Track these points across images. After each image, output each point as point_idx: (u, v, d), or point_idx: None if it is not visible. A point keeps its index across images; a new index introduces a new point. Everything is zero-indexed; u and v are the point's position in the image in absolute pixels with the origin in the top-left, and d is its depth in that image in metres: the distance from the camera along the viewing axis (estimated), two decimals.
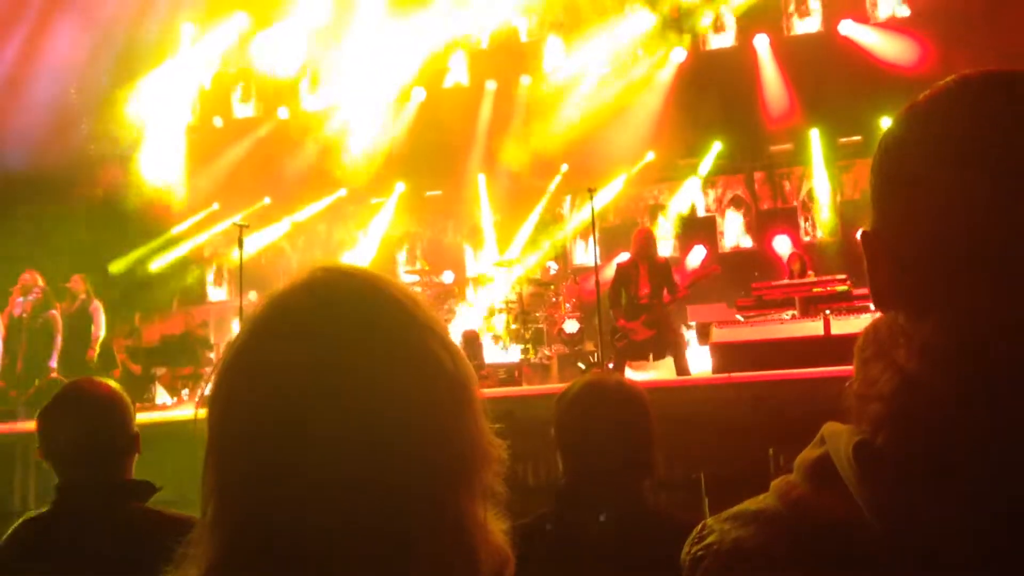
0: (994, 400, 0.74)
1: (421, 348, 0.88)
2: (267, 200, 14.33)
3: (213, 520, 0.85)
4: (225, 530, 0.84)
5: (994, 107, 0.79)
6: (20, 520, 2.35)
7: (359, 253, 14.25)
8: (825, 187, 12.72)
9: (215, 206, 14.38)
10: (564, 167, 13.49)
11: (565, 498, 2.33)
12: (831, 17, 12.77)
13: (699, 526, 0.92)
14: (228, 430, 0.86)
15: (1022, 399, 0.73)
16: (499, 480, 0.91)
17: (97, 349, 10.02)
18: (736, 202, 13.27)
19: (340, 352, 0.84)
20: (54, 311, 9.59)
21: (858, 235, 0.88)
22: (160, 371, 11.49)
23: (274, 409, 0.82)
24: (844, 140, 12.48)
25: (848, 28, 12.48)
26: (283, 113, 14.65)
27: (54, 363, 9.37)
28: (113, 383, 2.43)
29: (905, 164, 0.82)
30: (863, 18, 12.62)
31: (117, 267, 13.59)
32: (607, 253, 11.49)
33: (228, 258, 14.51)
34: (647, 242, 8.91)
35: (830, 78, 11.91)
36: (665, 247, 13.19)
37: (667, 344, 8.66)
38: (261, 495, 0.82)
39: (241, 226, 9.05)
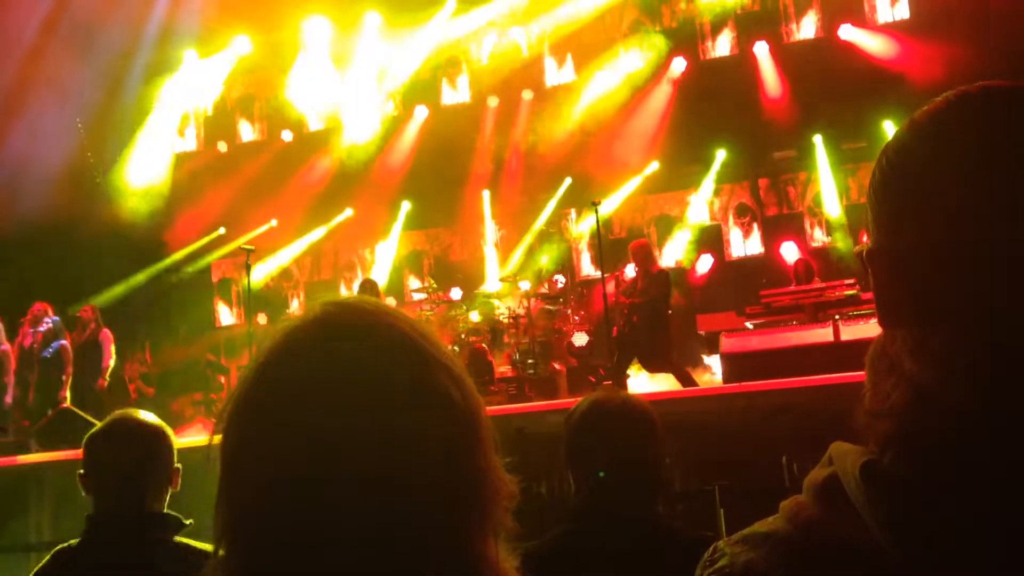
0: (1012, 415, 0.73)
1: (430, 384, 0.88)
2: (273, 223, 14.37)
3: (227, 551, 0.86)
4: (238, 562, 0.85)
5: (999, 119, 0.80)
6: (52, 551, 2.38)
7: (366, 273, 14.27)
8: (830, 192, 12.70)
9: (221, 231, 14.43)
10: (568, 180, 13.50)
11: (578, 518, 2.33)
12: (830, 22, 12.75)
13: (710, 549, 0.91)
14: (239, 469, 0.86)
15: None
16: (509, 515, 0.91)
17: (107, 378, 10.05)
18: (742, 210, 13.26)
19: (350, 390, 0.85)
20: (64, 341, 9.62)
21: (857, 251, 0.88)
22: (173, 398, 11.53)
23: (285, 447, 0.83)
24: (848, 145, 12.46)
25: (848, 32, 12.47)
26: (287, 136, 14.70)
27: (66, 393, 9.39)
28: (157, 418, 2.47)
29: (911, 178, 0.82)
30: (862, 22, 12.61)
31: (107, 297, 13.61)
32: (613, 265, 11.48)
33: (236, 282, 14.57)
34: (638, 253, 9.28)
35: (832, 83, 11.91)
36: (672, 256, 13.19)
37: (655, 356, 8.81)
38: (272, 529, 0.83)
39: (248, 250, 9.08)
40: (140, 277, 13.98)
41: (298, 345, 0.89)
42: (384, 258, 14.52)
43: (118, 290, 13.41)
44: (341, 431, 0.83)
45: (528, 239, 13.65)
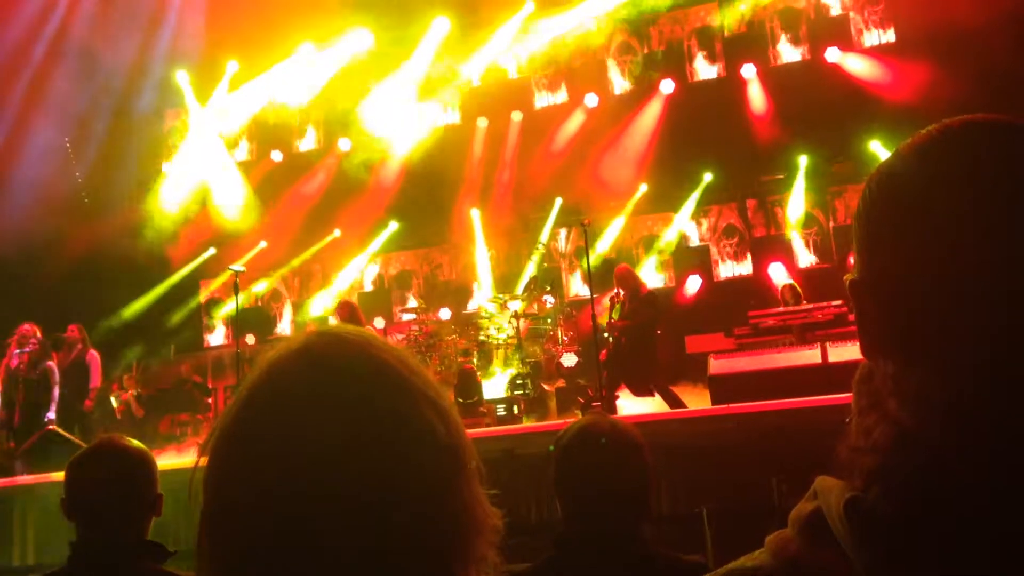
0: (988, 455, 0.73)
1: (414, 417, 0.87)
2: (263, 244, 14.36)
3: None
4: None
5: (982, 153, 0.80)
6: None
7: (354, 294, 14.24)
8: (817, 213, 12.78)
9: (212, 251, 14.42)
10: (558, 201, 13.55)
11: (564, 544, 2.32)
12: (817, 45, 12.88)
13: None
14: (222, 499, 0.86)
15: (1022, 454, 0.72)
16: (494, 549, 0.91)
17: (94, 399, 9.98)
18: (729, 231, 13.31)
19: (333, 424, 0.84)
20: (51, 362, 9.55)
21: (845, 279, 0.88)
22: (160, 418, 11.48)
23: (267, 480, 0.83)
24: (835, 166, 12.54)
25: (834, 55, 12.58)
26: (277, 156, 14.73)
27: (52, 415, 9.31)
28: (139, 443, 2.46)
29: (894, 209, 0.82)
30: (849, 45, 12.73)
31: (129, 312, 13.63)
32: (601, 285, 11.49)
33: (225, 302, 14.53)
34: (623, 277, 9.39)
35: (818, 105, 12.00)
36: (659, 278, 13.22)
37: (642, 378, 8.85)
38: (254, 559, 0.82)
39: (237, 271, 9.08)
40: (142, 302, 13.96)
41: (282, 378, 0.88)
42: (372, 278, 14.51)
43: (123, 315, 13.43)
44: (324, 465, 0.82)
45: (518, 259, 13.67)
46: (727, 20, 13.31)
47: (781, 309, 9.61)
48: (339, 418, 0.84)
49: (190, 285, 14.76)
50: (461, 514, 0.87)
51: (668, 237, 13.37)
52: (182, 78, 14.57)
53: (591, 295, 8.88)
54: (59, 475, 2.46)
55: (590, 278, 9.19)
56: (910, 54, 11.64)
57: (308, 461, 0.82)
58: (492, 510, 0.92)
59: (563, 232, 14.02)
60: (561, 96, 14.11)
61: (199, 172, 14.73)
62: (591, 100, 13.64)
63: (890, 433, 0.79)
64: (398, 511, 0.83)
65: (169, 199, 14.40)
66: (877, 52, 12.53)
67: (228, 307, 14.14)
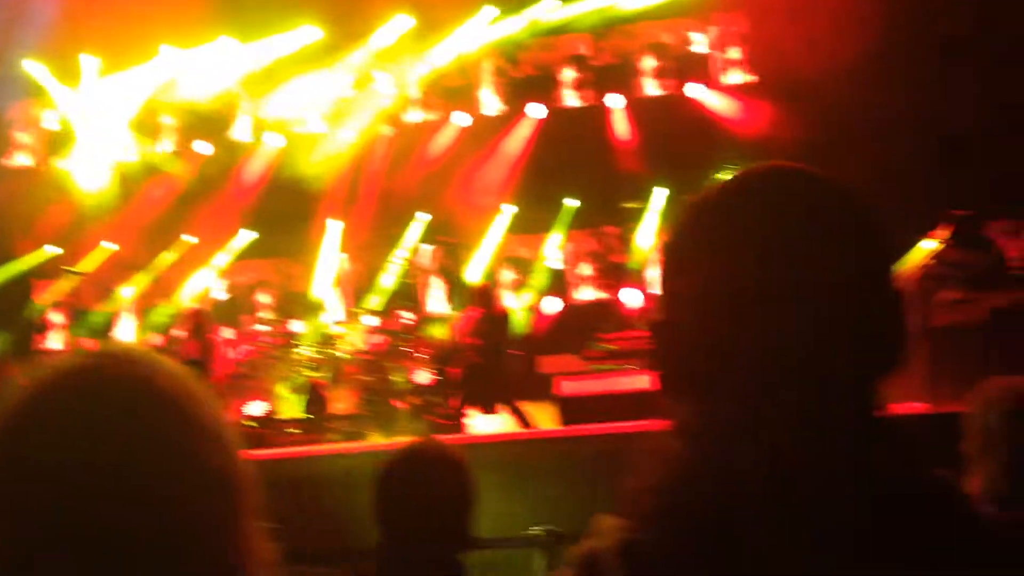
0: (754, 494, 0.73)
1: (186, 447, 0.82)
2: (110, 246, 13.77)
3: None
4: None
5: (763, 202, 0.81)
6: None
7: (206, 302, 13.81)
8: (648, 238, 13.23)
9: (53, 250, 13.72)
10: (423, 217, 13.53)
11: (383, 568, 2.33)
12: (682, 80, 13.40)
13: None
14: None
15: (790, 494, 0.72)
16: None
17: None
18: (589, 255, 13.61)
19: (97, 451, 0.78)
20: None
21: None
22: None
23: (18, 504, 0.76)
24: (689, 197, 13.03)
25: (695, 91, 13.15)
26: (132, 156, 14.24)
27: None
28: None
29: (674, 257, 0.84)
30: (710, 83, 13.32)
31: None
32: (460, 303, 11.54)
33: (65, 305, 13.86)
34: (479, 295, 9.55)
35: (677, 137, 12.50)
36: (519, 299, 13.37)
37: (492, 397, 8.99)
38: None
39: (74, 272, 8.68)
40: None
41: (50, 400, 0.81)
42: (226, 287, 14.14)
43: None
44: (85, 497, 0.76)
45: (377, 274, 13.56)
46: (598, 50, 13.73)
47: (629, 333, 9.89)
48: (103, 446, 0.78)
49: (27, 285, 13.97)
50: (230, 548, 0.83)
51: (531, 259, 13.55)
52: (38, 71, 13.94)
53: (449, 313, 8.90)
54: None
55: (450, 296, 9.22)
56: (762, 94, 12.33)
57: (66, 490, 0.76)
58: (266, 544, 0.87)
59: (426, 249, 13.98)
60: (432, 113, 14.15)
61: (55, 167, 14.17)
62: (462, 119, 13.75)
63: (668, 472, 0.79)
64: (163, 549, 0.77)
65: (20, 193, 13.77)
66: (734, 90, 13.16)
67: (67, 310, 13.51)
